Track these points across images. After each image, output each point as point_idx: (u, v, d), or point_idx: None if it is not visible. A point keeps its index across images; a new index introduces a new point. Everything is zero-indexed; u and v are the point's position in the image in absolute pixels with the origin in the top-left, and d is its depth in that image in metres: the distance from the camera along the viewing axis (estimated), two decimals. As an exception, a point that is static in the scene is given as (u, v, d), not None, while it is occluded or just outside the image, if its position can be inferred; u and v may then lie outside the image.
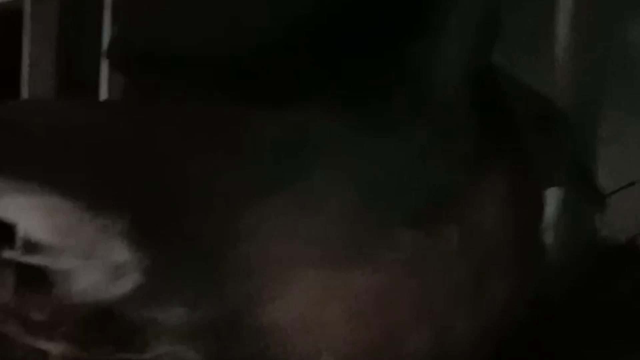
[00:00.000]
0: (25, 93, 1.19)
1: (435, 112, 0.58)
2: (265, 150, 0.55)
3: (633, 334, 0.65)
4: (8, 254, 0.54)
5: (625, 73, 0.85)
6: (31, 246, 0.52)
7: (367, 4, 0.57)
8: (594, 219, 0.77)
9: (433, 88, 0.58)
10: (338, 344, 0.51)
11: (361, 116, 0.55)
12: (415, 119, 0.57)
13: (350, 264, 0.53)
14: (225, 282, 0.52)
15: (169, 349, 0.52)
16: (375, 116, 0.56)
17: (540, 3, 0.79)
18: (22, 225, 0.51)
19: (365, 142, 0.55)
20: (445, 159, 0.57)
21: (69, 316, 0.51)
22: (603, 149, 0.77)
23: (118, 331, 0.52)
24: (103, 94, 1.06)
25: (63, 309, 0.51)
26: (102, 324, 0.52)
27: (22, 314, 0.50)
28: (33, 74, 1.19)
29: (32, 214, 0.50)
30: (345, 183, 0.54)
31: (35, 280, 0.51)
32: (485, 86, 0.61)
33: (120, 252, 0.51)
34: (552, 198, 0.72)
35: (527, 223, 0.62)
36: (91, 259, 0.50)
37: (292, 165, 0.54)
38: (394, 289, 0.54)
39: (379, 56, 0.57)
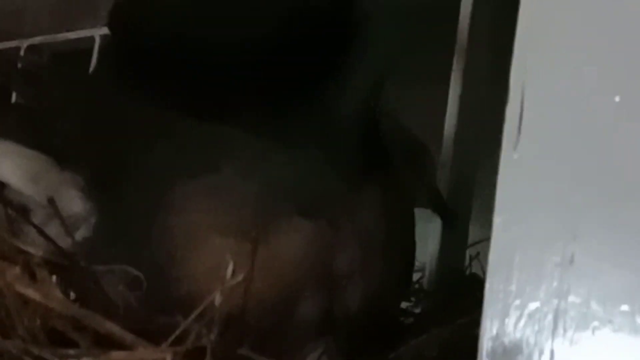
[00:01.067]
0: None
1: (331, 134, 0.73)
2: (190, 150, 0.69)
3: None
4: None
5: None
6: None
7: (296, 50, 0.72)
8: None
9: (333, 117, 0.74)
10: (236, 297, 0.61)
11: (272, 131, 0.70)
12: (315, 138, 0.72)
13: (253, 237, 0.66)
14: (153, 242, 0.65)
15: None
16: (283, 132, 0.70)
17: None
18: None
19: (272, 152, 0.70)
20: (335, 168, 0.72)
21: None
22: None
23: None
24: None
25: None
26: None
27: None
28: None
29: (10, 159, 0.62)
30: (252, 178, 0.68)
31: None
32: (372, 121, 0.77)
33: (76, 203, 0.63)
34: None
35: (397, 227, 0.76)
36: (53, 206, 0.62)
37: (209, 161, 0.68)
38: (289, 260, 0.67)
39: (294, 88, 0.72)
